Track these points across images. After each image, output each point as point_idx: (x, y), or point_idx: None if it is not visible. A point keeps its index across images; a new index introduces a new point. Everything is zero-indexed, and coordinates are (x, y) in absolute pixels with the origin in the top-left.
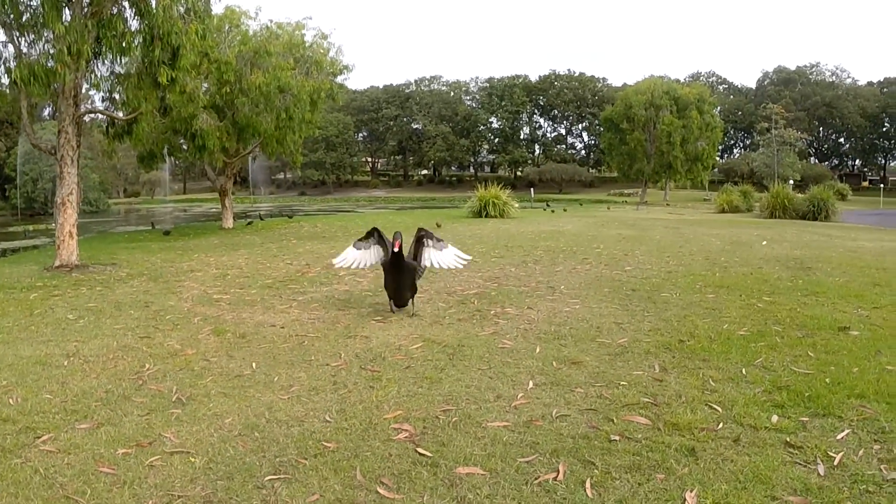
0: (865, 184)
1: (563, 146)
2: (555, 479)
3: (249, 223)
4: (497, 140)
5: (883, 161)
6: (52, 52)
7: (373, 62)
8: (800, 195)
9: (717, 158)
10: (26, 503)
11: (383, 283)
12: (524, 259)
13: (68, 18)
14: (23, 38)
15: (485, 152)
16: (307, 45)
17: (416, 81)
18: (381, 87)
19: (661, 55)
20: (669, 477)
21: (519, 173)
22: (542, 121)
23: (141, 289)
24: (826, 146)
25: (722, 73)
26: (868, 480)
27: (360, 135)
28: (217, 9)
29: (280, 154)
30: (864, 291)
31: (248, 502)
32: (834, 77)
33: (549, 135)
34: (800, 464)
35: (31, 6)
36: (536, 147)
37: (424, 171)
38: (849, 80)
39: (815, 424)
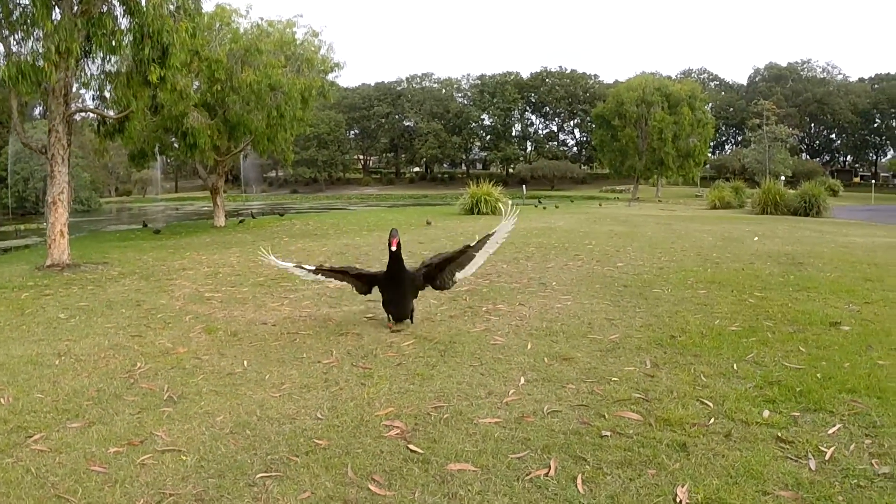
0: (857, 180)
1: (555, 143)
2: (546, 475)
3: (241, 221)
4: (489, 137)
5: (874, 157)
6: (41, 50)
7: (364, 59)
8: (791, 191)
9: (709, 155)
10: (18, 502)
11: (381, 299)
12: (516, 256)
13: (58, 17)
14: (12, 37)
15: (476, 149)
16: (298, 42)
17: (407, 79)
18: (372, 84)
19: (652, 52)
20: (661, 472)
21: (511, 170)
22: (533, 118)
23: (132, 287)
24: (817, 142)
25: (713, 70)
26: (859, 475)
27: (352, 132)
28: (208, 7)
29: (271, 152)
30: (856, 287)
31: (240, 500)
32: (825, 73)
33: (540, 132)
34: (791, 459)
35: (20, 4)
36: (528, 144)
37: (416, 169)
38: (840, 77)
39: (806, 419)
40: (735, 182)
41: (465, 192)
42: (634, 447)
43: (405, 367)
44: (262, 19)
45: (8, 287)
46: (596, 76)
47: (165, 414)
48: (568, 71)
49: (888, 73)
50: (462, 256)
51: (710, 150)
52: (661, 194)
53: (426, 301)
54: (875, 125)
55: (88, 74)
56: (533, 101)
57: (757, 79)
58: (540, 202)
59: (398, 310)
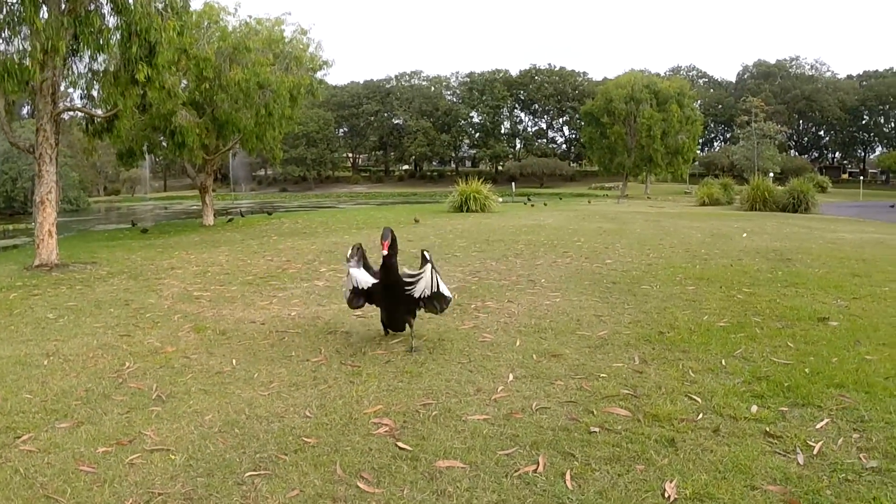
0: (845, 176)
1: (544, 140)
2: (535, 471)
3: (230, 220)
4: (478, 135)
5: (862, 154)
6: (28, 49)
7: (353, 57)
8: (780, 188)
9: (698, 152)
10: (6, 503)
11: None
12: (505, 253)
13: (45, 15)
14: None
15: (466, 147)
16: (287, 40)
17: (396, 76)
18: (361, 82)
19: (641, 49)
20: (649, 468)
21: (500, 168)
22: (522, 115)
23: (121, 287)
24: (806, 139)
25: (702, 67)
26: (847, 469)
27: (341, 130)
28: (196, 4)
29: (260, 150)
30: (844, 282)
31: (228, 499)
32: (813, 70)
33: (529, 129)
34: (779, 453)
35: (7, 2)
36: (517, 141)
37: (405, 167)
38: (828, 74)
39: (794, 414)
40: (724, 179)
41: (454, 189)
42: (623, 443)
43: (394, 365)
44: (250, 17)
45: None
46: (585, 73)
47: (154, 413)
48: (557, 68)
49: (876, 70)
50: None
51: (699, 147)
52: (650, 191)
53: None
54: (863, 122)
55: (76, 73)
56: (522, 98)
57: (745, 76)
58: (529, 200)
59: (392, 317)
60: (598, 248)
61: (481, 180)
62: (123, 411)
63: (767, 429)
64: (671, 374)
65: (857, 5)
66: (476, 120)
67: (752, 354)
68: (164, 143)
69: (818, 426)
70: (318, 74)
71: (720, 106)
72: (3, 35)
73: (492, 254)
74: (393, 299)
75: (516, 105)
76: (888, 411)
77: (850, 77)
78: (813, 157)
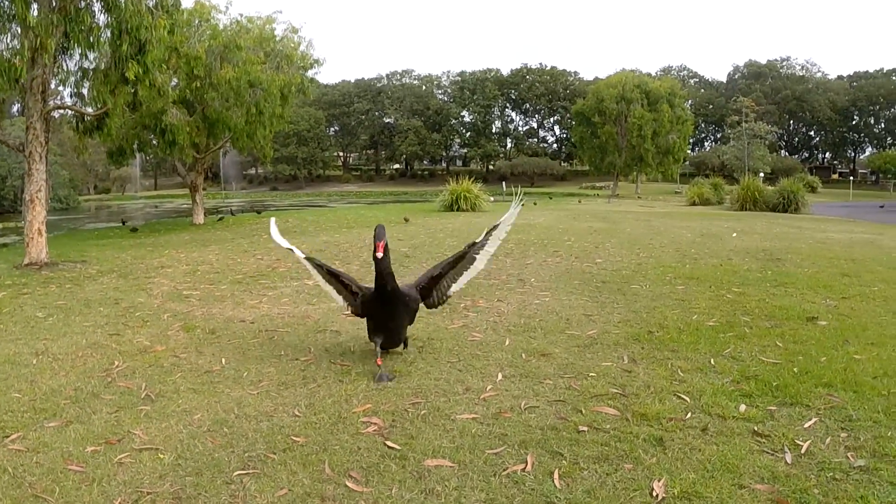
0: (835, 176)
1: (535, 140)
2: (523, 470)
3: (220, 219)
4: (469, 134)
5: (852, 154)
6: (17, 46)
7: (344, 56)
8: (770, 188)
9: (688, 151)
10: None
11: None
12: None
13: (36, 13)
14: None
15: (457, 146)
16: (277, 39)
17: (387, 75)
18: (352, 81)
19: (632, 49)
20: (637, 467)
21: (491, 167)
22: (513, 114)
23: (111, 286)
24: (796, 139)
25: (693, 67)
26: (835, 468)
27: (332, 129)
28: (186, 2)
29: (251, 149)
30: (833, 282)
31: (217, 498)
32: (804, 71)
33: (520, 128)
34: (767, 452)
35: None
36: (508, 141)
37: (396, 166)
38: (819, 74)
39: (782, 413)
40: (714, 179)
41: (444, 188)
42: (611, 442)
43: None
44: (241, 15)
45: None
46: (576, 73)
47: (143, 412)
48: (548, 68)
49: (866, 71)
50: (462, 261)
51: (690, 147)
52: (640, 191)
53: None
54: (853, 122)
55: (66, 70)
56: (513, 97)
57: (736, 76)
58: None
59: (389, 337)
60: (588, 247)
61: (472, 179)
62: (112, 410)
63: (756, 428)
64: (660, 374)
65: (847, 6)
66: (467, 119)
67: (740, 354)
68: (155, 142)
69: (806, 425)
70: (309, 73)
71: (711, 106)
72: None
73: None
74: (390, 313)
75: (507, 104)
76: (876, 410)
77: (840, 78)
78: (803, 157)
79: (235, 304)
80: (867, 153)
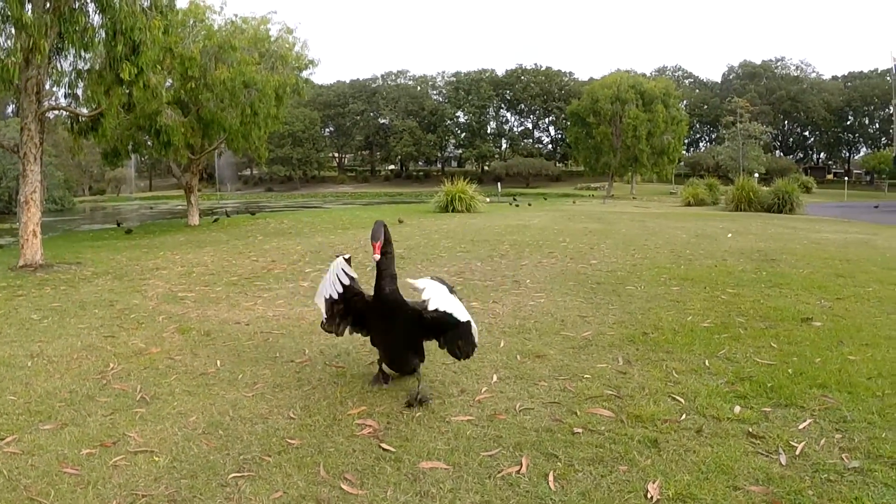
0: (830, 177)
1: (530, 140)
2: (518, 472)
3: (216, 220)
4: (464, 134)
5: (847, 154)
6: (11, 47)
7: (339, 56)
8: (765, 188)
9: (683, 152)
10: None
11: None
12: (490, 253)
13: (30, 13)
14: None
15: (452, 147)
16: (272, 39)
17: (382, 76)
18: (347, 81)
19: (627, 50)
20: (632, 468)
21: (486, 168)
22: (508, 115)
23: (106, 287)
24: (791, 140)
25: (688, 68)
26: (829, 469)
27: (327, 130)
28: (181, 3)
29: (246, 150)
30: (828, 283)
31: (212, 500)
32: (799, 71)
33: (515, 129)
34: (762, 454)
35: None
36: (503, 141)
37: (391, 167)
38: (813, 75)
39: (777, 415)
40: (709, 179)
41: (440, 189)
42: (606, 444)
43: (378, 366)
44: (236, 16)
45: None
46: (571, 73)
47: (138, 415)
48: (543, 68)
49: (861, 72)
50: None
51: (685, 147)
52: (635, 192)
53: None
54: (848, 123)
55: (60, 71)
56: (508, 98)
57: (731, 76)
58: (514, 200)
59: (391, 355)
60: (583, 248)
61: (467, 180)
62: (107, 413)
63: (750, 429)
64: (655, 375)
65: (841, 7)
66: (462, 120)
67: (735, 355)
68: (150, 143)
69: (801, 426)
70: (304, 73)
71: (705, 106)
72: None
73: (477, 254)
74: (390, 325)
75: (502, 105)
76: (870, 412)
77: (835, 78)
78: (798, 157)
79: (230, 306)
80: (862, 153)
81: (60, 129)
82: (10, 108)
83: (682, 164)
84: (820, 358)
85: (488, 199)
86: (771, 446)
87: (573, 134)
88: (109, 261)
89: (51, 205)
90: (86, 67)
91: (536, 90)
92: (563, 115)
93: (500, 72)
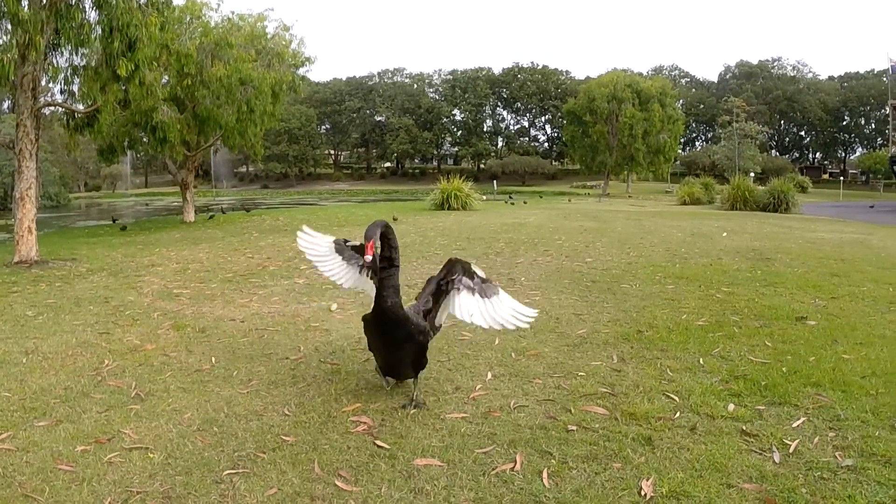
0: (826, 176)
1: (526, 139)
2: (512, 469)
3: (211, 217)
4: (460, 133)
5: (843, 154)
6: (7, 43)
7: (335, 54)
8: (761, 187)
9: (679, 151)
10: None
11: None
12: (485, 251)
13: (26, 9)
14: None
15: (448, 145)
16: (269, 36)
17: (379, 74)
18: (343, 79)
19: (623, 49)
20: (626, 466)
21: (482, 166)
22: (505, 113)
23: (101, 284)
24: (787, 139)
25: (684, 67)
26: (823, 467)
27: (323, 127)
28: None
29: (242, 147)
30: (823, 282)
31: (207, 497)
32: (795, 71)
33: (512, 127)
34: (755, 452)
35: None
36: (499, 139)
37: (387, 164)
38: (810, 75)
39: (771, 413)
40: (705, 178)
41: (435, 187)
42: (600, 441)
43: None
44: (233, 13)
45: None
46: (567, 72)
47: (133, 411)
48: (539, 67)
49: (857, 72)
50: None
51: (681, 146)
52: (631, 190)
53: None
54: (844, 123)
55: (56, 67)
56: (504, 96)
57: (727, 76)
58: (511, 198)
59: (390, 363)
60: (578, 246)
61: (463, 178)
62: (102, 409)
63: (744, 427)
64: (649, 373)
65: (838, 7)
66: (458, 118)
67: (730, 353)
68: (146, 139)
69: (794, 425)
70: (301, 71)
71: (702, 106)
72: None
73: (472, 252)
74: (390, 340)
75: (499, 103)
76: (864, 410)
77: (831, 78)
78: (794, 157)
79: (226, 303)
80: (857, 153)
81: (56, 125)
82: (5, 105)
83: (678, 163)
84: (814, 356)
85: (485, 197)
86: (765, 444)
87: (569, 132)
88: (105, 257)
89: (46, 201)
90: (82, 64)
91: (533, 89)
92: (559, 114)
93: (497, 70)
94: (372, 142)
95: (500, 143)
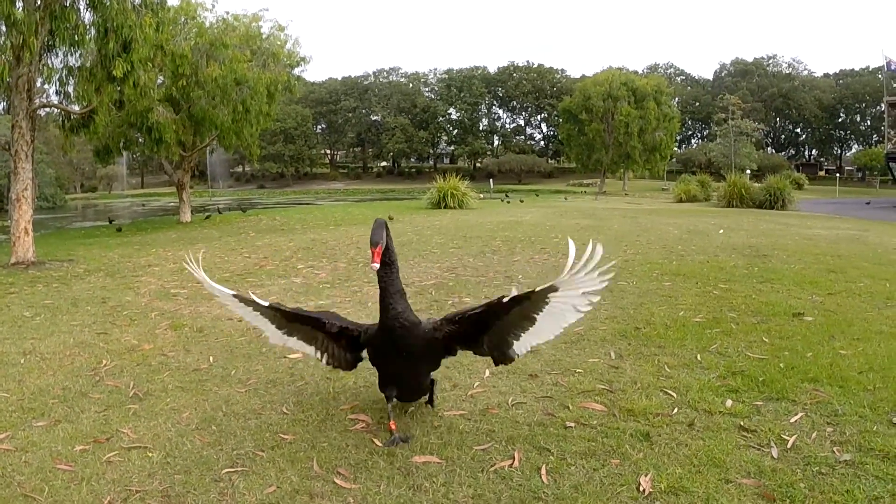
0: (822, 173)
1: (522, 137)
2: (510, 466)
3: (208, 217)
4: (456, 131)
5: (839, 151)
6: (2, 44)
7: (330, 53)
8: (757, 185)
9: (675, 149)
10: None
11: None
12: (482, 250)
13: (21, 11)
14: None
15: (444, 144)
16: (264, 36)
17: (374, 73)
18: (339, 78)
19: (619, 47)
20: (624, 462)
21: (478, 164)
22: (500, 112)
23: (98, 285)
24: (783, 137)
25: (680, 65)
26: (821, 462)
27: (319, 127)
28: (172, 0)
29: (238, 147)
30: (819, 278)
31: (206, 496)
32: (790, 69)
33: (507, 126)
34: (753, 447)
35: None
36: (495, 138)
37: (384, 163)
38: (805, 72)
39: (768, 408)
40: (701, 176)
41: (432, 186)
42: (598, 437)
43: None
44: (227, 13)
45: None
46: (563, 71)
47: (131, 411)
48: (535, 65)
49: (852, 69)
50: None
51: (677, 144)
52: (627, 188)
53: None
54: (840, 120)
55: (51, 68)
56: (500, 95)
57: (723, 74)
58: (507, 196)
59: (404, 390)
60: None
61: (459, 177)
62: (100, 409)
63: (742, 423)
64: (647, 370)
65: (833, 5)
66: (454, 117)
67: (727, 349)
68: (141, 140)
69: (792, 420)
70: (296, 71)
71: (697, 103)
72: None
73: (469, 250)
74: (402, 354)
75: (494, 102)
76: (861, 405)
77: (826, 75)
78: (790, 154)
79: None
80: (853, 150)
81: (52, 126)
82: (0, 106)
83: (673, 160)
84: (811, 352)
85: (481, 196)
86: (763, 440)
87: (565, 131)
88: (101, 258)
89: (42, 202)
90: (77, 65)
91: (528, 87)
92: (555, 113)
93: (492, 69)
94: (368, 141)
95: (496, 142)
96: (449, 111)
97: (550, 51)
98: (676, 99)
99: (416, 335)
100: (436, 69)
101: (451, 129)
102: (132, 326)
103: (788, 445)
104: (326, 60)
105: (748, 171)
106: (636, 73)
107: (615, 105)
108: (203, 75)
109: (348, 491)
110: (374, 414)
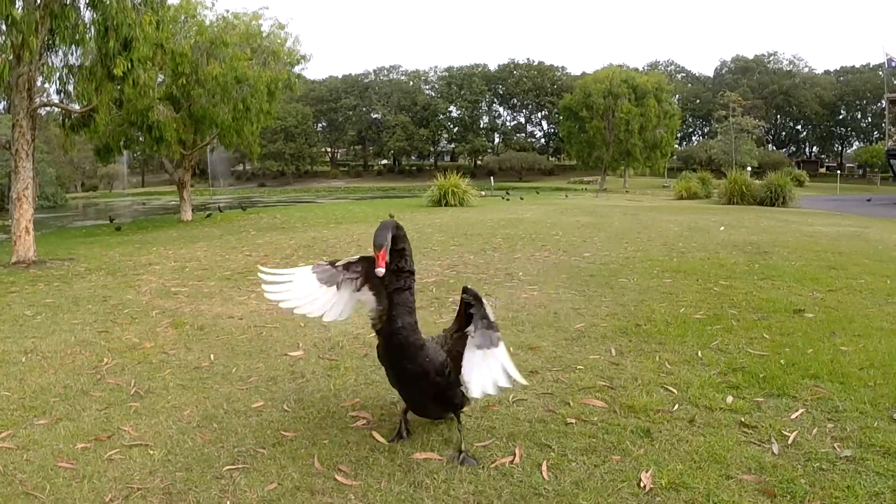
0: (823, 170)
1: (523, 135)
2: (511, 462)
3: (208, 215)
4: (456, 129)
5: (839, 148)
6: (2, 43)
7: (331, 52)
8: (757, 182)
9: (676, 146)
10: None
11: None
12: (483, 247)
13: (20, 9)
14: None
15: (444, 141)
16: (264, 35)
17: (374, 71)
18: (339, 76)
19: (619, 44)
20: (625, 458)
21: (479, 162)
22: (501, 109)
23: (99, 283)
24: (784, 133)
25: (680, 62)
26: (821, 458)
27: (319, 125)
28: None
29: (238, 145)
30: (820, 275)
31: (207, 493)
32: (791, 66)
33: (508, 123)
34: (754, 443)
35: None
36: (496, 136)
37: (384, 161)
38: (806, 69)
39: (769, 405)
40: (701, 173)
41: (433, 184)
42: (599, 434)
43: (371, 358)
44: (227, 12)
45: None
46: (563, 68)
47: (132, 409)
48: (535, 63)
49: (853, 66)
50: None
51: (677, 141)
52: (628, 185)
53: None
54: (840, 117)
55: (51, 67)
56: (500, 93)
57: (724, 71)
58: (507, 194)
59: (410, 405)
60: (575, 241)
61: (460, 175)
62: (102, 407)
63: (743, 419)
64: (647, 366)
65: (834, 2)
66: (455, 114)
67: (728, 346)
68: (142, 139)
69: (793, 416)
70: (296, 69)
71: (698, 100)
72: None
73: (470, 248)
74: (404, 371)
75: (495, 99)
76: (862, 401)
77: (827, 72)
78: (790, 151)
79: (224, 301)
80: (854, 147)
81: (52, 125)
82: (1, 105)
83: (674, 157)
84: (812, 349)
85: (483, 193)
86: (763, 436)
87: (566, 128)
88: (102, 257)
89: (43, 201)
90: (77, 64)
91: (529, 85)
92: (555, 110)
93: (493, 66)
94: (368, 139)
95: (496, 140)
96: (449, 109)
97: (551, 48)
98: (677, 96)
99: (413, 358)
100: (436, 67)
101: (451, 126)
102: (133, 325)
103: (789, 441)
104: (327, 58)
105: (749, 168)
106: (637, 70)
107: (616, 102)
108: (203, 74)
109: (349, 487)
110: (375, 411)
